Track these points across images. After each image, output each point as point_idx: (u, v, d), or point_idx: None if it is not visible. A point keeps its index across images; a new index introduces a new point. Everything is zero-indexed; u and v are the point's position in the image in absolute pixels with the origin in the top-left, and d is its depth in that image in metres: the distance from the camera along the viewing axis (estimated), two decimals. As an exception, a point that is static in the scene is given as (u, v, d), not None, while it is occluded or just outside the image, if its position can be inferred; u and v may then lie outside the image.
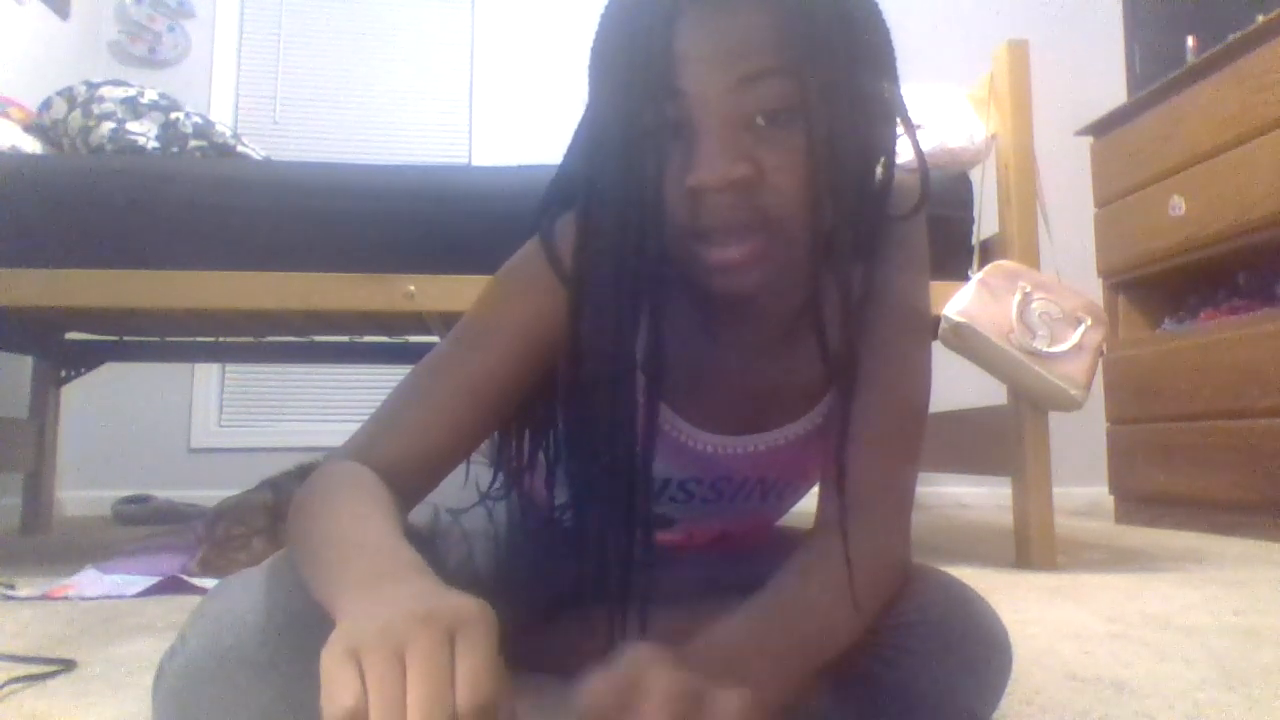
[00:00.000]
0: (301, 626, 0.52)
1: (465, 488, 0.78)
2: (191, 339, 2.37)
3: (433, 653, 0.36)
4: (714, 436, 0.73)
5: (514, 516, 0.83)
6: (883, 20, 0.62)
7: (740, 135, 0.56)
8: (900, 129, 0.64)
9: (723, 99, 0.55)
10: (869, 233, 0.64)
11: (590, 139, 0.62)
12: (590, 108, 0.63)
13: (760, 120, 0.56)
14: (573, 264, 0.62)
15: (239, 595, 0.56)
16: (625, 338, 0.59)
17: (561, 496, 0.80)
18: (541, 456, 0.74)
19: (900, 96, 0.63)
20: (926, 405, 0.70)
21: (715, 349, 0.70)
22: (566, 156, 0.67)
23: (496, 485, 0.76)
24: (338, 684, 0.36)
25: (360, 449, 0.62)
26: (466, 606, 0.39)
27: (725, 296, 0.63)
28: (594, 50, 0.61)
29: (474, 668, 0.36)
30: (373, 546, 0.48)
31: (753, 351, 0.70)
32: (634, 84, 0.56)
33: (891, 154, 0.64)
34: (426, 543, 0.75)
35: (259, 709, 0.51)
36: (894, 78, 0.63)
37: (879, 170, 0.64)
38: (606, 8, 0.60)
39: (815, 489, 0.77)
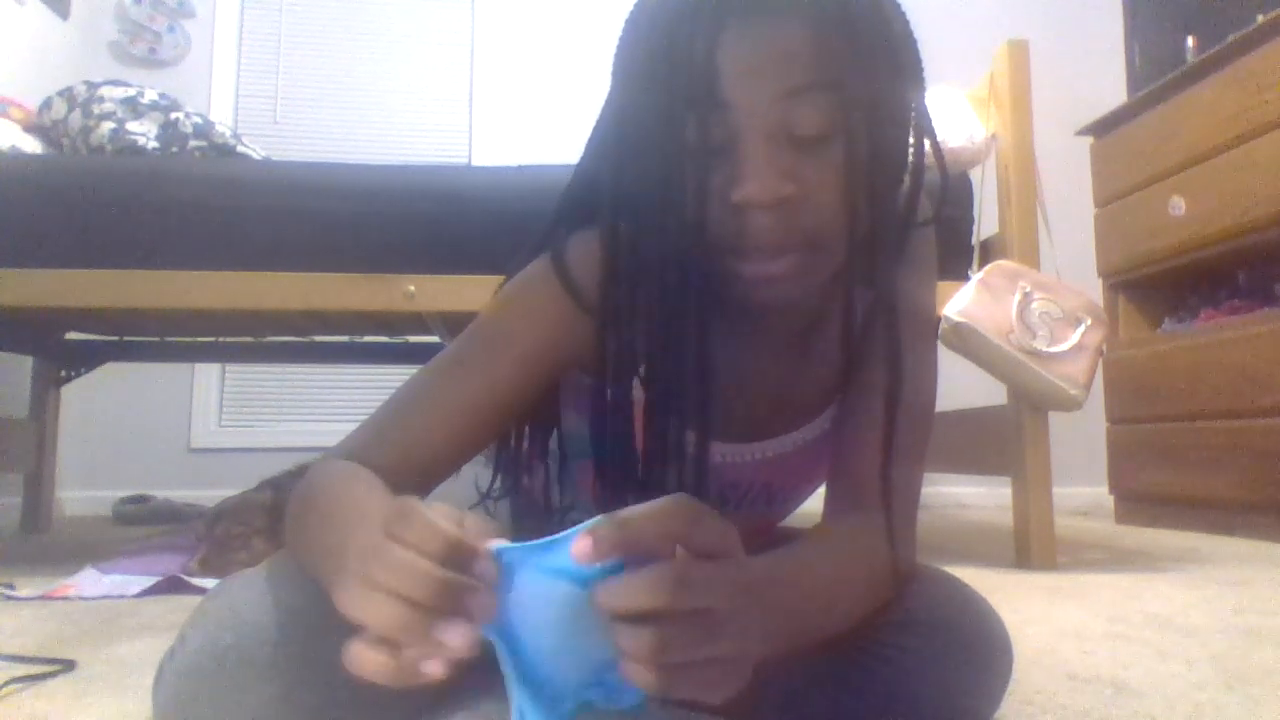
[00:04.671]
0: (301, 625, 0.52)
1: (462, 487, 0.78)
2: (191, 339, 2.37)
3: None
4: (723, 446, 0.72)
5: (512, 516, 0.83)
6: (911, 30, 0.61)
7: (785, 151, 0.55)
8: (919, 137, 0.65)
9: (768, 112, 0.54)
10: (900, 240, 0.65)
11: (617, 151, 0.60)
12: (616, 117, 0.61)
13: (804, 135, 0.55)
14: (601, 288, 0.60)
15: (238, 595, 0.56)
16: (673, 365, 0.58)
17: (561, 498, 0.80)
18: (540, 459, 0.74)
19: (925, 106, 0.63)
20: (933, 406, 0.71)
21: (727, 358, 0.69)
22: (581, 166, 0.66)
23: (496, 486, 0.76)
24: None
25: (355, 449, 0.62)
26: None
27: (760, 308, 0.62)
28: (623, 59, 0.60)
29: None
30: (353, 514, 0.49)
31: (764, 360, 0.70)
32: (675, 96, 0.55)
33: (920, 162, 0.64)
34: None
35: (258, 708, 0.51)
36: (922, 88, 0.62)
37: (906, 178, 0.64)
38: (634, 16, 0.59)
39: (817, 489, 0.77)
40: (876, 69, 0.56)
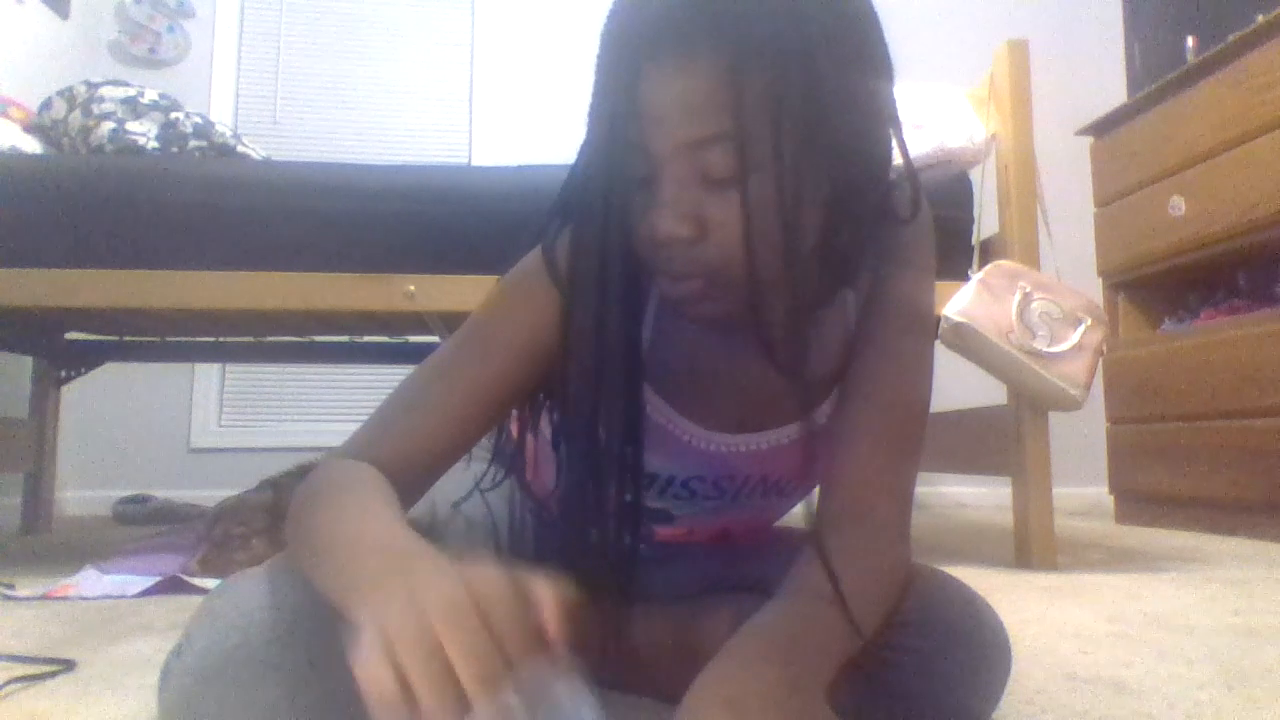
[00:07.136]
0: (307, 624, 0.52)
1: (464, 477, 0.79)
2: (191, 339, 2.37)
3: (468, 630, 0.37)
4: (717, 435, 0.73)
5: (515, 509, 0.84)
6: (869, 29, 0.60)
7: (690, 193, 0.57)
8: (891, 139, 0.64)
9: (674, 159, 0.57)
10: (861, 242, 0.65)
11: (586, 163, 0.63)
12: (587, 131, 0.64)
13: (715, 178, 0.57)
14: (566, 274, 0.64)
15: (245, 593, 0.56)
16: (611, 341, 0.61)
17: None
18: (541, 447, 0.75)
19: (896, 113, 0.63)
20: (927, 405, 0.71)
21: (720, 348, 0.71)
22: (573, 167, 0.68)
23: (492, 474, 0.78)
24: (378, 683, 0.37)
25: (361, 447, 0.63)
26: (486, 576, 0.40)
27: (691, 319, 0.65)
28: (593, 77, 0.62)
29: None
30: (382, 541, 0.49)
31: (757, 352, 0.70)
32: (605, 133, 0.59)
33: (887, 162, 0.64)
34: (425, 537, 0.75)
35: (265, 707, 0.51)
36: (888, 90, 0.62)
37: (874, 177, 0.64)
38: (601, 32, 0.61)
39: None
40: (794, 111, 0.55)
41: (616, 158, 0.59)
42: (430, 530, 0.78)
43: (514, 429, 0.86)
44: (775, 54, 0.54)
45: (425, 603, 0.38)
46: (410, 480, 0.63)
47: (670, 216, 0.57)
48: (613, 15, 0.59)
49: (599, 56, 0.59)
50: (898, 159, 0.65)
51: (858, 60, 0.59)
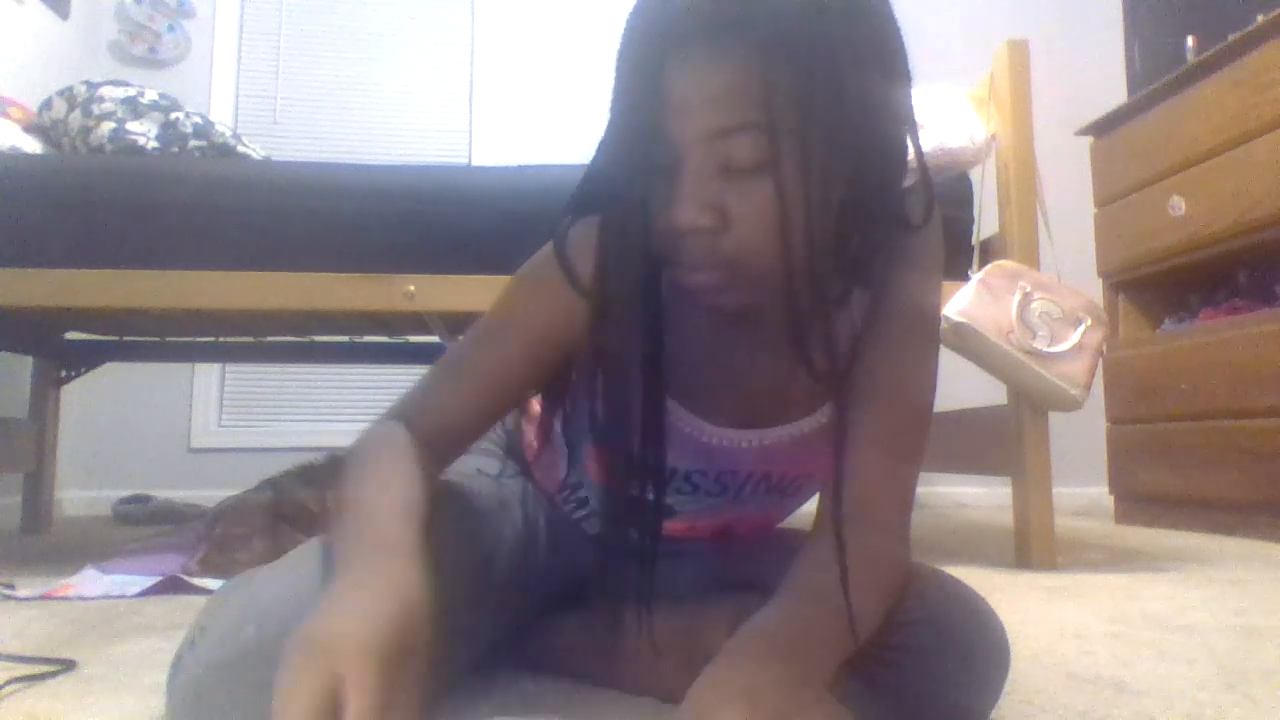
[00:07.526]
0: None
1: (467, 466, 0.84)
2: (191, 339, 2.37)
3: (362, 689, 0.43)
4: (718, 429, 0.73)
5: (526, 503, 0.85)
6: (889, 32, 0.61)
7: (712, 183, 0.57)
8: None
9: (697, 148, 0.57)
10: (878, 243, 0.65)
11: (608, 157, 0.64)
12: (609, 124, 0.64)
13: (738, 169, 0.57)
14: (594, 273, 0.65)
15: (260, 587, 0.57)
16: (633, 343, 0.62)
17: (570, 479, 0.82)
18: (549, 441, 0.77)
19: (913, 117, 0.63)
20: (931, 407, 0.71)
21: (725, 343, 0.71)
22: (593, 161, 0.68)
23: (509, 468, 0.80)
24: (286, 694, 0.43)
25: (403, 414, 0.70)
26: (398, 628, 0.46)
27: (710, 309, 0.65)
28: (615, 70, 0.62)
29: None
30: (376, 525, 0.55)
31: (762, 347, 0.71)
32: (631, 122, 0.59)
33: (903, 165, 0.64)
34: (468, 504, 0.79)
35: None
36: (905, 94, 0.62)
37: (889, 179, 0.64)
38: (624, 25, 0.61)
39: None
40: (818, 105, 0.56)
41: (639, 149, 0.59)
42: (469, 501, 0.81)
43: (524, 424, 0.87)
44: (800, 49, 0.55)
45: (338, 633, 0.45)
46: (442, 449, 0.69)
47: (691, 206, 0.57)
48: (638, 9, 0.59)
49: (621, 49, 0.60)
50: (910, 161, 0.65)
51: (876, 61, 0.60)
